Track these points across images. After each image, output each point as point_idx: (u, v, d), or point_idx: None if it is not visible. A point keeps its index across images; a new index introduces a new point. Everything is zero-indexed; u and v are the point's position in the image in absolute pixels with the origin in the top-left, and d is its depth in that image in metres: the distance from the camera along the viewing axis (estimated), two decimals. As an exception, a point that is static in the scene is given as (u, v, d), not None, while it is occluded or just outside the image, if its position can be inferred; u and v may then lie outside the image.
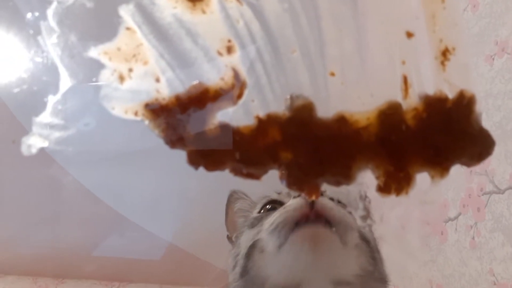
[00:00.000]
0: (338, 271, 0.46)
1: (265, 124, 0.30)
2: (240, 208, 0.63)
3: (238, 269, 0.51)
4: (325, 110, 0.29)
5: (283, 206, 0.50)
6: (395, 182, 0.29)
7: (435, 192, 0.32)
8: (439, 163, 0.29)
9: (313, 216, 0.45)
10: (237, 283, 0.50)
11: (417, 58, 0.30)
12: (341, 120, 0.29)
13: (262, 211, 0.56)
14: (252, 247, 0.50)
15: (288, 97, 0.30)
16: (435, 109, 0.29)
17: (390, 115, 0.29)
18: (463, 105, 0.29)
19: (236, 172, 0.33)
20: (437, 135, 0.29)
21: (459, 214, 0.94)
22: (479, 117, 0.30)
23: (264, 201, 0.57)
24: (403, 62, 0.31)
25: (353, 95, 0.30)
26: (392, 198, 0.41)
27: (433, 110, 0.29)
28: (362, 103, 0.30)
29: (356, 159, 0.29)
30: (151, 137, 0.32)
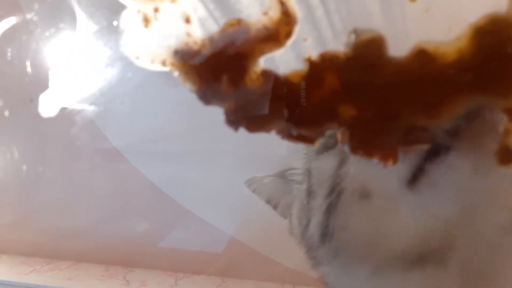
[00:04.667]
0: None
1: (319, 68, 0.23)
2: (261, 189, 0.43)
3: (314, 231, 0.31)
4: (400, 46, 0.22)
5: None
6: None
7: None
8: None
9: None
10: (316, 253, 0.32)
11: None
12: (422, 56, 0.21)
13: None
14: (340, 192, 0.28)
15: (351, 31, 0.23)
16: None
17: (492, 33, 0.21)
18: None
19: (284, 134, 0.26)
20: None
21: None
22: None
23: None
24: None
25: (441, 25, 0.22)
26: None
27: None
28: (453, 35, 0.22)
29: (446, 108, 0.21)
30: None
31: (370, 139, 0.24)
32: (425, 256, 0.26)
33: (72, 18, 0.27)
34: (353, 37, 0.23)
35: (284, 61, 0.25)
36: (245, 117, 0.25)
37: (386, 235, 0.26)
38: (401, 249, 0.26)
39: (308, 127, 0.25)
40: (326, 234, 0.29)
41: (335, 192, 0.28)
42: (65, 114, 0.27)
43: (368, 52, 0.23)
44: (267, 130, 0.26)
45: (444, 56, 0.22)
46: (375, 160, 0.24)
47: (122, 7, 0.26)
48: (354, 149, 0.24)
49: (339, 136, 0.25)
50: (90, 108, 0.28)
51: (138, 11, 0.26)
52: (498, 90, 0.21)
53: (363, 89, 0.23)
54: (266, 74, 0.25)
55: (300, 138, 0.26)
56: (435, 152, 0.24)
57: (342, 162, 0.28)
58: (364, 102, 0.23)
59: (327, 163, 0.29)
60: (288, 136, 0.26)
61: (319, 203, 0.30)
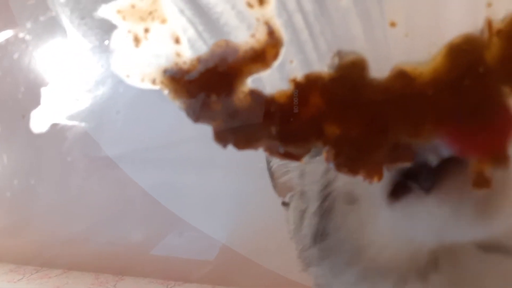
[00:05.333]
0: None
1: (304, 88, 0.24)
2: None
3: (308, 230, 0.32)
4: (381, 68, 0.23)
5: None
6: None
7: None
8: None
9: None
10: (308, 252, 0.33)
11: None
12: (402, 77, 0.22)
13: None
14: (332, 198, 0.30)
15: (334, 53, 0.24)
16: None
17: (466, 51, 0.22)
18: None
19: (272, 151, 0.27)
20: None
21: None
22: None
23: None
24: (489, 4, 0.23)
25: (419, 47, 0.23)
26: None
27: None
28: (430, 55, 0.23)
29: (426, 124, 0.22)
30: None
31: (354, 157, 0.25)
32: (407, 272, 0.27)
33: (64, 36, 0.28)
34: (336, 59, 0.24)
35: (271, 81, 0.25)
36: (233, 134, 0.26)
37: (369, 243, 0.28)
38: (383, 261, 0.27)
39: (295, 144, 0.26)
40: (317, 235, 0.31)
41: (325, 195, 0.30)
42: (57, 129, 0.27)
43: (350, 73, 0.24)
44: (255, 147, 0.27)
45: (421, 75, 0.23)
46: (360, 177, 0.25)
47: (113, 27, 0.26)
48: (339, 167, 0.25)
49: (324, 154, 0.25)
50: (82, 121, 0.29)
51: (129, 31, 0.26)
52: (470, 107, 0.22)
53: (347, 108, 0.24)
54: (253, 94, 0.26)
55: (287, 155, 0.27)
56: (417, 175, 0.25)
57: (329, 168, 0.28)
58: (348, 121, 0.24)
59: (318, 167, 0.30)
60: (276, 153, 0.27)
61: (311, 205, 0.31)
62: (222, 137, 0.26)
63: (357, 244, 0.29)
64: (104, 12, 0.26)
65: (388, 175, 0.25)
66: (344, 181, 0.28)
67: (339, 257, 0.30)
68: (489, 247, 0.25)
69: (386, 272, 0.28)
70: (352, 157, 0.25)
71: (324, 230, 0.30)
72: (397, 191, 0.26)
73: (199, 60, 0.26)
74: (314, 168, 0.31)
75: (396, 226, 0.27)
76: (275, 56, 0.25)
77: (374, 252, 0.28)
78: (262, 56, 0.25)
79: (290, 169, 0.36)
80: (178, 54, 0.26)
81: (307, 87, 0.24)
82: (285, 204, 0.38)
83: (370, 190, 0.27)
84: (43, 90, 0.27)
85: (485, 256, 0.26)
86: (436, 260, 0.26)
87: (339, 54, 0.24)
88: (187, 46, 0.26)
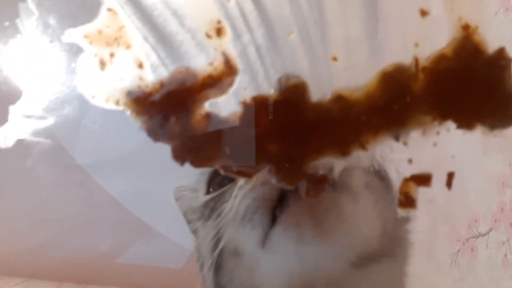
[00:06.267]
0: (359, 241, 0.31)
1: (252, 109, 0.27)
2: (186, 204, 0.45)
3: (211, 285, 0.36)
4: (322, 93, 0.26)
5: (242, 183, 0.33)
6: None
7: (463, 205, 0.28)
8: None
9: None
10: None
11: (433, 38, 0.26)
12: (340, 100, 0.25)
13: (211, 190, 0.38)
14: (219, 252, 0.34)
15: (279, 77, 0.26)
16: (468, 59, 0.25)
17: (396, 80, 0.25)
18: (499, 64, 0.25)
19: (226, 169, 0.29)
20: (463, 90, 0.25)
21: (491, 229, 0.86)
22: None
23: (206, 177, 0.39)
24: (416, 45, 0.27)
25: (357, 80, 0.26)
26: (417, 212, 0.36)
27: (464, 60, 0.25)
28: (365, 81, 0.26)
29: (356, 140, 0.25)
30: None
31: (292, 172, 0.27)
32: None
33: (32, 58, 0.29)
34: (279, 81, 0.27)
35: (226, 106, 0.28)
36: (190, 154, 0.28)
37: (259, 285, 0.33)
38: None
39: (245, 162, 0.28)
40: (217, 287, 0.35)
41: (216, 252, 0.34)
42: (22, 146, 0.29)
43: (292, 95, 0.26)
44: (211, 165, 0.29)
45: (358, 101, 0.26)
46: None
47: (80, 50, 0.28)
48: (279, 181, 0.28)
49: (271, 170, 0.28)
50: (47, 138, 0.30)
51: (95, 55, 0.28)
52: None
53: (288, 128, 0.27)
54: (210, 117, 0.28)
55: (239, 173, 0.29)
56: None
57: (217, 230, 0.34)
58: (288, 138, 0.27)
59: (209, 230, 0.36)
60: (230, 171, 0.29)
61: (207, 262, 0.36)
62: (180, 156, 0.28)
63: None
64: (71, 36, 0.28)
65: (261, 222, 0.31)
66: (229, 238, 0.33)
67: None
68: (361, 262, 0.30)
69: None
70: (291, 173, 0.27)
71: (221, 284, 0.35)
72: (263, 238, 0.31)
73: (160, 84, 0.28)
74: (205, 230, 0.37)
75: (274, 264, 0.31)
76: (231, 83, 0.28)
77: None
78: (219, 83, 0.28)
79: (190, 219, 0.41)
80: (141, 78, 0.28)
81: (255, 108, 0.27)
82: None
83: (249, 240, 0.32)
84: (11, 108, 0.28)
85: (361, 271, 0.30)
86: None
87: (284, 76, 0.27)
88: (150, 71, 0.28)
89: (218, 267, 0.35)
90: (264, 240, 0.31)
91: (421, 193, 0.27)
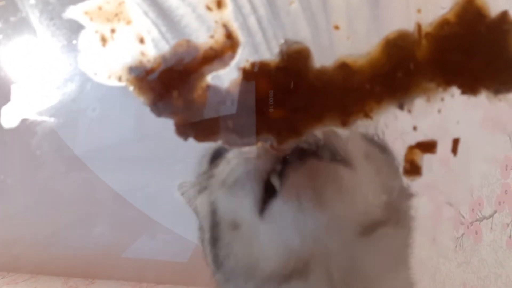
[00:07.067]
0: (362, 209, 0.30)
1: (252, 75, 0.26)
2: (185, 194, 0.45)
3: (209, 259, 0.36)
4: (325, 60, 0.26)
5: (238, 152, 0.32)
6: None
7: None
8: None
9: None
10: (216, 277, 0.36)
11: (435, 3, 0.26)
12: (344, 68, 0.25)
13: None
14: (215, 225, 0.34)
15: (282, 42, 0.26)
16: (471, 24, 0.25)
17: (400, 47, 0.25)
18: (502, 28, 0.25)
19: (231, 143, 0.29)
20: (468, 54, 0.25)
21: (495, 212, 0.86)
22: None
23: (207, 158, 0.39)
24: (419, 10, 0.26)
25: (360, 45, 0.26)
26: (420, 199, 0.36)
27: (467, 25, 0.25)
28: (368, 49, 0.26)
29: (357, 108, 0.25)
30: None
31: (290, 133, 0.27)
32: (289, 274, 0.31)
33: (33, 36, 0.29)
34: (282, 47, 0.27)
35: (229, 79, 0.28)
36: (193, 128, 0.28)
37: (257, 258, 0.32)
38: (270, 270, 0.31)
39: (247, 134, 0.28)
40: (216, 262, 0.35)
41: (213, 225, 0.34)
42: (26, 125, 0.29)
43: (295, 61, 0.26)
44: (214, 140, 0.29)
45: (361, 68, 0.26)
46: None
47: (81, 27, 0.28)
48: (279, 150, 0.28)
49: (272, 143, 0.28)
50: (51, 119, 0.30)
51: (96, 32, 0.28)
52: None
53: (289, 94, 0.27)
54: (212, 90, 0.28)
55: (244, 145, 0.29)
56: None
57: (214, 202, 0.34)
58: (290, 105, 0.27)
59: (204, 202, 0.36)
60: (233, 145, 0.29)
61: (206, 236, 0.36)
62: (183, 131, 0.28)
63: (248, 263, 0.33)
64: (72, 13, 0.28)
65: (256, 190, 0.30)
66: (225, 209, 0.33)
67: (238, 278, 0.34)
68: (366, 229, 0.30)
69: (276, 278, 0.32)
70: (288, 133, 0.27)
71: (218, 258, 0.35)
72: (264, 200, 0.30)
73: (162, 58, 0.28)
74: (201, 202, 0.37)
75: (273, 236, 0.31)
76: (233, 56, 0.28)
77: (263, 265, 0.32)
78: (220, 56, 0.28)
79: (191, 199, 0.41)
80: (142, 53, 0.28)
81: (254, 73, 0.27)
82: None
83: (244, 210, 0.31)
84: (13, 87, 0.28)
85: (369, 238, 0.30)
86: (309, 257, 0.31)
87: (286, 42, 0.26)
88: (151, 46, 0.28)
89: (215, 240, 0.34)
90: (263, 211, 0.30)
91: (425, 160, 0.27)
